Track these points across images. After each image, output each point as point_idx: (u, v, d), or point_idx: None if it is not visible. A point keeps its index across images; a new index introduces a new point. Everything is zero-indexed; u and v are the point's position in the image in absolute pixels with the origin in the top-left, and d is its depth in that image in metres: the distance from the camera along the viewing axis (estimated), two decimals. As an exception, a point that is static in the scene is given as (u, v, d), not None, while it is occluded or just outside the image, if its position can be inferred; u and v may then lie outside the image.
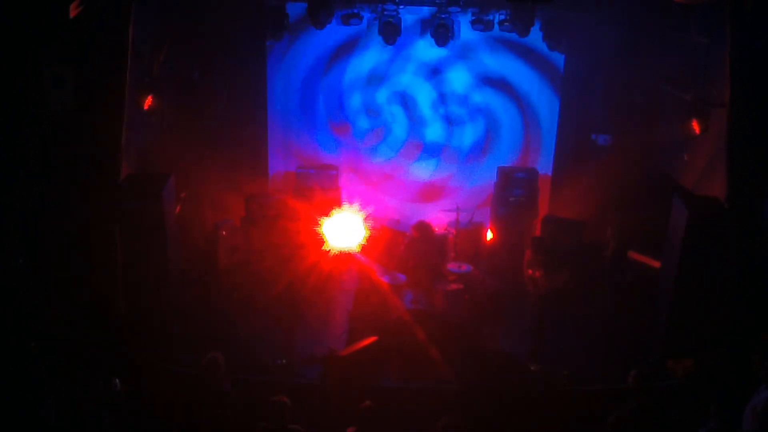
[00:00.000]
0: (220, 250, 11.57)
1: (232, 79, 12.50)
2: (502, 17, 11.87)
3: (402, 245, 11.45)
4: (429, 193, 13.72)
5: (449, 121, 13.43)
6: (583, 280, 10.79)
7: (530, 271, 9.75)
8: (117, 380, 6.63)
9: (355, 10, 11.82)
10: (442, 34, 11.78)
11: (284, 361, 9.16)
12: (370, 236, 11.38)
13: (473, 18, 11.89)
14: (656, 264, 9.96)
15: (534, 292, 9.80)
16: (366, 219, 11.36)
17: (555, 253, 10.10)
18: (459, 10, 11.83)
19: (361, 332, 9.33)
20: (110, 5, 8.18)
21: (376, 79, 13.31)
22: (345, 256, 11.41)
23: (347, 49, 13.19)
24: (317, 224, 11.02)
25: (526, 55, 13.02)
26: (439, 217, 12.59)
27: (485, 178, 13.46)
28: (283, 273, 10.95)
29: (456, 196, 13.38)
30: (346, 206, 12.04)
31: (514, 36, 12.22)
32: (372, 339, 8.85)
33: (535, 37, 12.12)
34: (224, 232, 11.67)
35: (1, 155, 8.27)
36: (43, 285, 8.25)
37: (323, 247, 10.93)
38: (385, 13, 11.76)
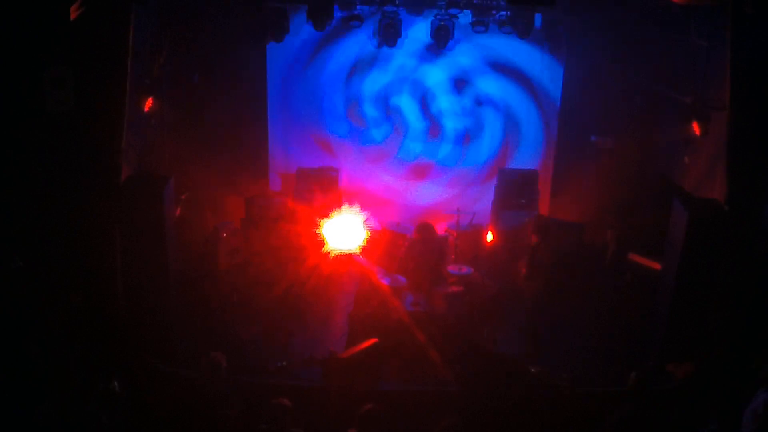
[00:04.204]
0: (220, 252, 11.56)
1: (233, 80, 12.51)
2: (503, 19, 11.90)
3: (402, 247, 11.45)
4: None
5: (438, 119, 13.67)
6: (583, 282, 10.79)
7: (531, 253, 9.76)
8: (116, 382, 6.62)
9: (356, 12, 11.84)
10: (443, 36, 11.80)
11: (284, 363, 9.15)
12: (370, 238, 11.38)
13: (474, 20, 11.91)
14: (656, 266, 9.96)
15: (528, 292, 9.82)
16: (366, 221, 11.36)
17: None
18: (459, 12, 11.86)
19: (361, 334, 9.31)
20: (110, 7, 8.18)
21: (378, 79, 13.41)
22: (345, 258, 11.41)
23: (351, 50, 13.25)
24: (317, 226, 11.02)
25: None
26: (439, 219, 12.61)
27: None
28: (283, 275, 10.96)
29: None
30: (346, 208, 12.04)
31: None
32: (372, 341, 8.83)
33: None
34: (224, 234, 11.66)
35: (0, 156, 8.26)
36: (42, 287, 8.23)
37: (323, 249, 10.93)
38: (386, 15, 11.78)
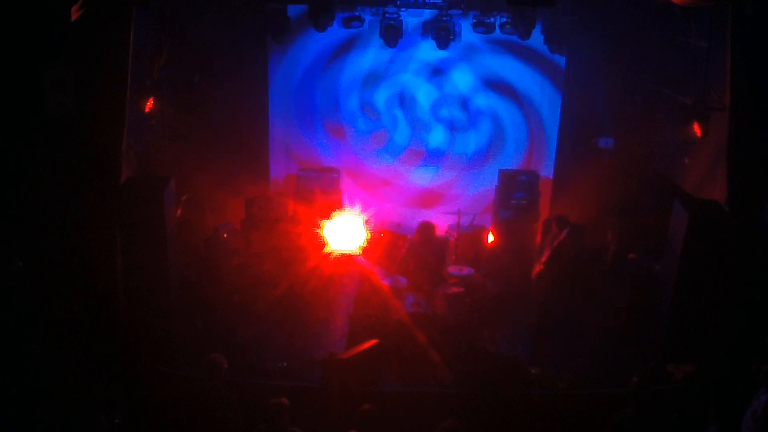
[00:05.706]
0: (220, 253, 11.56)
1: (233, 81, 12.52)
2: (504, 20, 11.90)
3: (403, 248, 11.46)
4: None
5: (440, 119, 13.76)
6: (583, 283, 10.78)
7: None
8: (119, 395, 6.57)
9: (357, 13, 11.86)
10: (444, 37, 11.82)
11: (284, 364, 9.17)
12: (370, 239, 11.39)
13: (474, 21, 11.93)
14: (657, 267, 9.95)
15: (537, 291, 9.84)
16: (367, 222, 11.38)
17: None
18: (460, 12, 11.86)
19: (361, 335, 9.33)
20: (111, 8, 8.19)
21: (375, 79, 13.46)
22: (346, 259, 11.42)
23: (350, 51, 13.29)
24: (318, 227, 11.03)
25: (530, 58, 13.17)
26: (440, 220, 12.62)
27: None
28: (283, 276, 10.96)
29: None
30: (347, 209, 12.05)
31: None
32: (372, 342, 8.85)
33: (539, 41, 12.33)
34: (225, 235, 11.65)
35: (1, 158, 8.28)
36: (43, 288, 8.25)
37: (324, 250, 10.94)
38: (387, 15, 11.79)
